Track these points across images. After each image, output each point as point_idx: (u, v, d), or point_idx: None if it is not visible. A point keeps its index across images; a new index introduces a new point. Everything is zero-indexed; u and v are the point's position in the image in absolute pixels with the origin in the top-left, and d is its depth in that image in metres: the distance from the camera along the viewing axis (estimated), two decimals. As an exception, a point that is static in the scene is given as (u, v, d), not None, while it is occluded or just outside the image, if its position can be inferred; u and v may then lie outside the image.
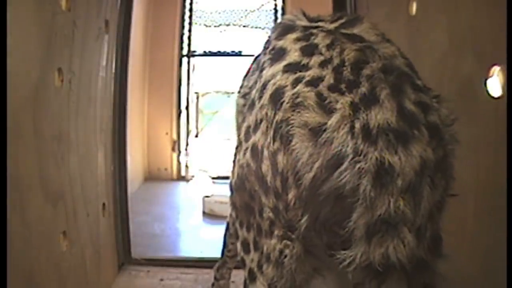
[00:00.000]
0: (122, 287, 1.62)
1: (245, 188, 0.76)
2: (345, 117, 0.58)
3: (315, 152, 0.60)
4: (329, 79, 0.63)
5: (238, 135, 0.88)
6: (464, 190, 0.89)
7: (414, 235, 0.54)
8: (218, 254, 1.57)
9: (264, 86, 0.71)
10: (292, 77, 0.66)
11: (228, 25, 4.82)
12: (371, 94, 0.59)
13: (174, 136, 4.55)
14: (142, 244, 2.09)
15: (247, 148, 0.73)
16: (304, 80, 0.64)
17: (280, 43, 0.73)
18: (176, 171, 4.54)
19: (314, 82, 0.63)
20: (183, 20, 4.60)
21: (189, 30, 4.63)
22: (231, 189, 0.83)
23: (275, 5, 4.73)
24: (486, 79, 0.80)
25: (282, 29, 0.77)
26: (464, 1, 0.92)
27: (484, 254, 0.82)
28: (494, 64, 0.78)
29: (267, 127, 0.68)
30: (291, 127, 0.63)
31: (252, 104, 0.74)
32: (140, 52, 4.08)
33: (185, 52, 4.62)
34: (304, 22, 0.77)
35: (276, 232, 0.71)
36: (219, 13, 4.81)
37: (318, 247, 0.69)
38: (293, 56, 0.69)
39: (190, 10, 4.66)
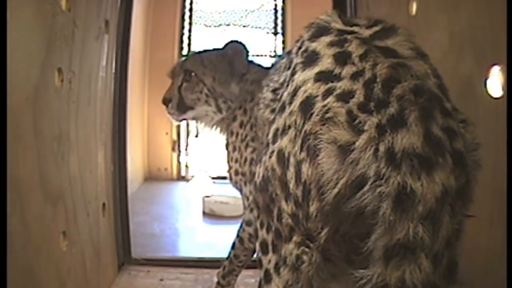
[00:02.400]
0: (122, 287, 1.62)
1: (267, 190, 0.76)
2: (371, 139, 0.59)
3: (341, 170, 0.61)
4: (359, 95, 0.63)
5: (263, 129, 0.90)
6: (464, 190, 0.89)
7: (430, 261, 0.54)
8: (218, 254, 1.57)
9: (295, 92, 0.71)
10: (323, 87, 0.66)
11: (228, 25, 4.82)
12: (400, 116, 0.58)
13: (174, 136, 4.55)
14: (142, 244, 2.09)
15: (273, 152, 0.74)
16: (335, 93, 0.64)
17: (313, 45, 0.73)
18: (176, 171, 4.54)
19: (345, 97, 0.63)
20: (183, 20, 4.59)
21: (189, 30, 4.63)
22: (255, 189, 0.84)
23: (275, 5, 4.73)
24: (486, 79, 0.80)
25: (316, 30, 0.76)
26: (464, 1, 0.92)
27: (484, 254, 0.82)
28: (494, 64, 0.78)
29: (295, 135, 0.68)
30: (320, 141, 0.63)
31: (283, 107, 0.74)
32: (140, 52, 4.08)
33: (185, 52, 4.61)
34: (339, 25, 0.75)
35: (294, 238, 0.72)
36: (219, 13, 4.81)
37: (337, 255, 0.70)
38: (326, 63, 0.69)
39: (190, 10, 4.66)
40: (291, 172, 0.69)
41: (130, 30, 1.78)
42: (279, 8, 4.74)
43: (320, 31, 0.75)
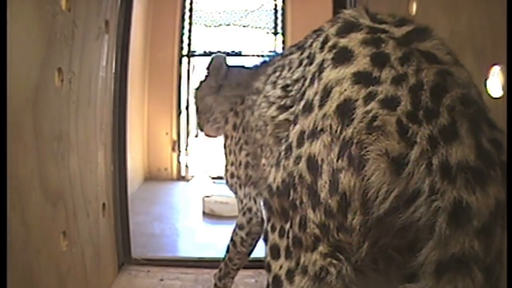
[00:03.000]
0: (122, 287, 1.62)
1: (288, 196, 0.73)
2: (424, 152, 0.56)
3: (393, 183, 0.58)
4: (406, 103, 0.59)
5: (265, 128, 0.88)
6: (464, 190, 0.89)
7: (483, 274, 0.54)
8: (217, 255, 1.57)
9: (327, 92, 0.65)
10: (364, 90, 0.61)
11: (228, 25, 4.82)
12: (452, 127, 0.56)
13: (174, 136, 4.55)
14: (142, 244, 2.10)
15: (300, 157, 0.69)
16: (377, 98, 0.60)
17: (344, 41, 0.68)
18: (176, 171, 4.54)
19: (390, 103, 0.59)
20: (183, 20, 4.60)
21: (189, 30, 4.63)
22: (270, 192, 0.79)
23: (275, 5, 4.73)
24: (486, 79, 0.80)
25: (343, 25, 0.71)
26: (464, 1, 0.92)
27: (484, 254, 0.82)
28: (494, 64, 0.78)
29: (331, 141, 0.63)
30: (367, 151, 0.59)
31: (310, 108, 0.68)
32: (140, 52, 4.08)
33: (185, 52, 4.62)
34: (368, 22, 0.71)
35: (320, 249, 0.68)
36: (219, 13, 4.81)
37: (369, 267, 0.68)
38: (362, 63, 0.64)
39: (190, 10, 4.66)
40: (323, 181, 0.64)
41: (130, 30, 1.78)
42: (279, 8, 4.74)
43: (348, 26, 0.70)
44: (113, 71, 1.65)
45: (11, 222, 0.82)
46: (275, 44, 4.80)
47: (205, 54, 4.78)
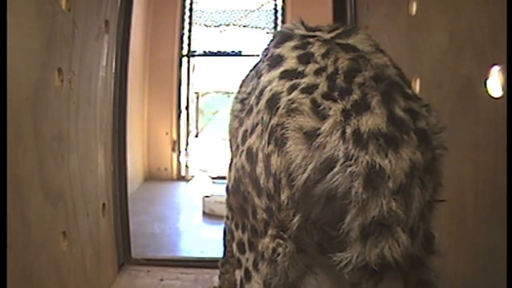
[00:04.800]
0: (122, 287, 1.62)
1: (240, 191, 0.78)
2: (337, 123, 0.61)
3: (308, 155, 0.62)
4: (323, 86, 0.66)
5: (233, 139, 0.90)
6: (464, 190, 0.89)
7: (407, 234, 0.56)
8: (218, 254, 1.57)
9: (261, 92, 0.73)
10: (288, 83, 0.69)
11: (228, 25, 4.82)
12: (363, 101, 0.61)
13: (174, 136, 4.55)
14: (142, 244, 2.10)
15: (242, 151, 0.76)
16: (299, 87, 0.67)
17: (278, 50, 0.76)
18: (176, 171, 4.54)
19: (309, 89, 0.66)
20: (183, 20, 4.60)
21: (189, 30, 4.63)
22: (227, 192, 0.85)
23: (275, 5, 4.73)
24: (486, 79, 0.80)
25: (280, 37, 0.79)
26: (464, 1, 0.92)
27: (484, 254, 0.82)
28: (494, 64, 0.78)
29: (262, 130, 0.70)
30: (286, 130, 0.65)
31: (250, 110, 0.76)
32: (140, 52, 4.08)
33: (185, 52, 4.62)
34: (302, 31, 0.80)
35: (269, 232, 0.73)
36: (219, 13, 4.81)
37: (310, 245, 0.72)
38: (290, 63, 0.72)
39: (190, 10, 4.66)
40: (260, 167, 0.70)
41: (130, 30, 1.78)
42: (279, 8, 4.74)
43: (284, 37, 0.78)
44: (113, 71, 1.65)
45: (11, 222, 0.82)
46: (275, 44, 4.79)
47: (205, 54, 4.78)
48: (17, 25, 0.86)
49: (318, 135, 0.61)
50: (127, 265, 1.78)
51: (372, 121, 0.59)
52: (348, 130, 0.60)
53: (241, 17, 4.82)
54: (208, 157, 4.69)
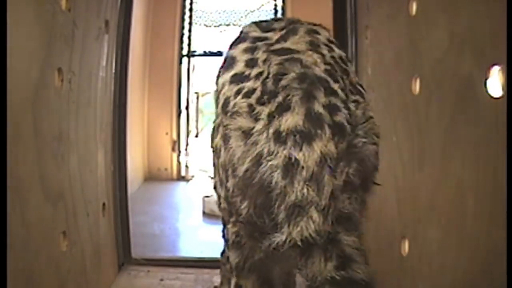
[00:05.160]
0: (122, 287, 1.62)
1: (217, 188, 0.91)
2: (265, 125, 0.73)
3: (246, 150, 0.75)
4: (258, 91, 0.77)
5: None
6: (464, 190, 0.89)
7: (320, 214, 0.66)
8: (218, 254, 1.57)
9: (218, 95, 0.86)
10: (235, 88, 0.80)
11: (228, 25, 4.81)
12: (285, 102, 0.72)
13: (174, 136, 4.55)
14: (142, 244, 2.09)
15: (214, 150, 0.89)
16: (242, 91, 0.79)
17: (231, 52, 0.87)
18: (176, 171, 4.54)
19: (248, 94, 0.78)
20: (183, 20, 4.59)
21: (189, 30, 4.63)
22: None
23: (275, 5, 4.73)
24: (486, 79, 0.80)
25: (236, 39, 0.91)
26: (464, 1, 0.92)
27: (484, 254, 0.82)
28: (494, 64, 0.78)
29: (219, 130, 0.84)
30: (229, 130, 0.78)
31: (217, 112, 0.89)
32: (140, 52, 4.08)
33: (185, 52, 4.62)
34: (256, 33, 0.89)
35: (231, 219, 0.86)
36: (219, 13, 4.81)
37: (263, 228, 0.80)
38: (239, 67, 0.83)
39: (190, 10, 4.66)
40: (219, 162, 0.84)
41: (130, 30, 1.78)
42: (279, 8, 4.73)
43: (239, 39, 0.90)
44: (113, 71, 1.65)
45: (11, 222, 0.82)
46: (275, 44, 4.79)
47: (205, 54, 4.78)
48: (17, 25, 0.86)
49: (253, 134, 0.74)
50: (127, 265, 1.78)
51: (291, 120, 0.70)
52: (271, 130, 0.71)
53: (241, 17, 4.82)
54: (208, 157, 4.69)
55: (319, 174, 0.67)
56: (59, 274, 1.09)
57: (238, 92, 0.79)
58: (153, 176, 4.43)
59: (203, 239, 2.53)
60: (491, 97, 0.79)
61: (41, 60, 0.99)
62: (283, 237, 0.66)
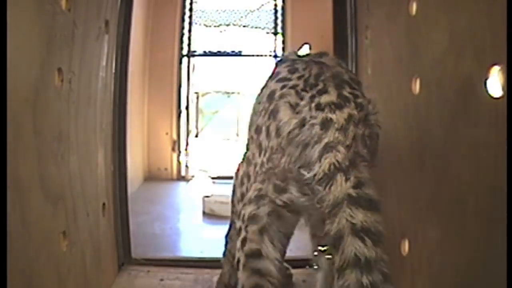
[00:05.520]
0: (122, 287, 1.62)
1: (248, 159, 1.18)
2: (308, 102, 0.98)
3: (292, 116, 0.97)
4: (300, 85, 1.04)
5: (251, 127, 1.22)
6: (464, 190, 0.89)
7: (345, 148, 0.90)
8: (218, 254, 1.57)
9: (263, 93, 1.15)
10: (280, 84, 1.07)
11: (228, 25, 4.82)
12: (323, 88, 0.99)
13: (174, 136, 4.55)
14: (142, 244, 2.09)
15: (255, 128, 1.12)
16: (288, 86, 1.05)
17: (277, 69, 1.15)
18: (176, 171, 4.55)
19: (293, 87, 1.04)
20: (183, 20, 4.60)
21: (189, 30, 4.63)
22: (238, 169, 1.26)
23: (275, 5, 4.73)
24: (486, 79, 0.80)
25: (279, 61, 1.23)
26: (464, 1, 0.92)
27: (484, 254, 0.82)
28: (494, 64, 0.78)
29: (264, 113, 1.08)
30: (279, 106, 1.01)
31: (258, 105, 1.15)
32: (140, 52, 4.08)
33: (185, 52, 4.62)
34: (293, 57, 1.22)
35: (258, 179, 1.09)
36: (219, 13, 4.82)
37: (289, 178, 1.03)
38: (283, 73, 1.10)
39: (190, 10, 4.66)
40: (263, 135, 1.07)
41: (130, 30, 1.78)
42: (279, 8, 4.74)
43: (281, 61, 1.21)
44: (113, 71, 1.65)
45: (11, 222, 0.82)
46: (275, 44, 4.80)
47: (205, 54, 4.78)
48: (17, 25, 0.86)
49: (299, 106, 0.98)
50: (127, 265, 1.78)
51: (328, 98, 0.97)
52: (313, 104, 0.96)
53: (241, 17, 4.82)
54: (208, 157, 4.69)
55: (346, 126, 0.92)
56: (59, 274, 1.09)
57: (283, 87, 1.05)
58: (153, 176, 4.43)
59: (203, 239, 2.53)
60: (491, 97, 0.79)
61: (41, 60, 0.99)
62: (316, 169, 0.89)
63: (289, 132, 0.96)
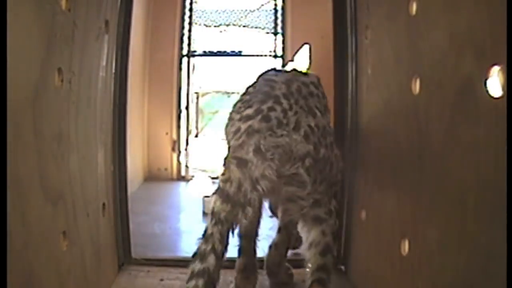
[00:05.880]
0: (122, 287, 1.62)
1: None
2: (239, 116, 1.18)
3: (229, 126, 1.21)
4: (245, 100, 1.26)
5: None
6: (464, 190, 0.89)
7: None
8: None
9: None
10: (240, 97, 1.33)
11: (228, 25, 4.82)
12: (250, 103, 1.19)
13: (174, 136, 4.55)
14: (142, 244, 2.09)
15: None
16: (241, 100, 1.29)
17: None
18: (176, 171, 4.55)
19: (241, 101, 1.29)
20: (183, 20, 4.60)
21: (189, 30, 4.63)
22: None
23: (275, 5, 4.73)
24: (486, 79, 0.80)
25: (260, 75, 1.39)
26: (464, 1, 0.92)
27: (484, 254, 0.82)
28: (494, 64, 0.78)
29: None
30: (230, 116, 1.26)
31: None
32: (140, 52, 4.08)
33: (185, 52, 4.62)
34: (270, 73, 1.36)
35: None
36: (219, 13, 4.82)
37: None
38: (247, 89, 1.35)
39: (190, 10, 4.66)
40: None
41: (130, 30, 1.78)
42: (279, 8, 4.74)
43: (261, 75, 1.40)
44: (113, 71, 1.65)
45: (11, 222, 0.82)
46: (275, 44, 4.80)
47: (205, 54, 4.78)
48: (17, 25, 0.86)
49: (233, 119, 1.20)
50: (127, 265, 1.78)
51: (248, 111, 1.16)
52: (239, 116, 1.16)
53: (241, 17, 4.82)
54: (208, 157, 4.69)
55: (248, 133, 1.12)
56: (59, 274, 1.09)
57: (239, 101, 1.29)
58: (153, 176, 4.43)
59: (203, 239, 2.52)
60: (491, 97, 0.79)
61: (41, 60, 0.99)
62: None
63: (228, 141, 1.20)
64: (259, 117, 1.09)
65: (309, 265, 1.24)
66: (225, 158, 1.10)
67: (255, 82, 1.30)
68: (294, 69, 1.38)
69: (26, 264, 0.92)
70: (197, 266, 1.03)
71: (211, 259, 1.03)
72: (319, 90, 1.27)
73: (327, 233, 1.24)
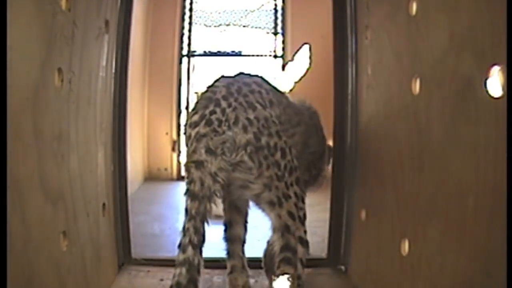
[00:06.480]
0: (122, 287, 1.62)
1: None
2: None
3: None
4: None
5: None
6: (464, 190, 0.89)
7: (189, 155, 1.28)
8: (217, 254, 1.58)
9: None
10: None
11: (228, 25, 4.82)
12: (196, 110, 1.34)
13: (174, 136, 4.55)
14: (142, 244, 2.09)
15: None
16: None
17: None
18: (176, 171, 4.55)
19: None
20: (183, 20, 4.60)
21: (189, 30, 4.64)
22: None
23: (275, 5, 4.73)
24: (486, 79, 0.80)
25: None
26: (464, 1, 0.92)
27: (484, 254, 0.82)
28: (494, 64, 0.78)
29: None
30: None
31: None
32: (140, 52, 4.08)
33: (185, 52, 4.62)
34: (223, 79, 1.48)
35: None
36: (219, 13, 4.82)
37: None
38: None
39: (190, 10, 4.66)
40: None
41: (130, 30, 1.78)
42: (279, 8, 4.74)
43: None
44: (113, 71, 1.65)
45: (11, 222, 0.82)
46: (275, 44, 4.80)
47: (205, 54, 4.78)
48: (17, 25, 0.86)
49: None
50: (127, 265, 1.78)
51: (195, 117, 1.30)
52: (189, 121, 1.31)
53: (241, 17, 4.82)
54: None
55: (195, 139, 1.28)
56: (59, 274, 1.09)
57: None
58: (153, 176, 4.43)
59: (203, 239, 2.52)
60: (491, 97, 0.79)
61: (41, 60, 0.99)
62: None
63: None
64: (203, 122, 1.24)
65: (275, 248, 1.34)
66: (185, 164, 1.27)
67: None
68: (241, 72, 1.49)
69: (26, 264, 0.92)
70: (180, 257, 1.23)
71: (189, 250, 1.27)
72: (261, 88, 1.37)
73: (283, 215, 1.32)
